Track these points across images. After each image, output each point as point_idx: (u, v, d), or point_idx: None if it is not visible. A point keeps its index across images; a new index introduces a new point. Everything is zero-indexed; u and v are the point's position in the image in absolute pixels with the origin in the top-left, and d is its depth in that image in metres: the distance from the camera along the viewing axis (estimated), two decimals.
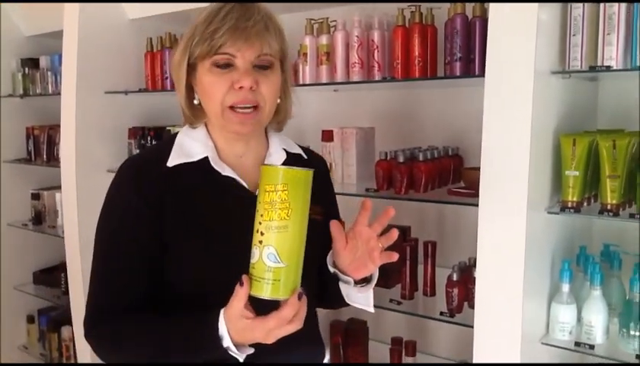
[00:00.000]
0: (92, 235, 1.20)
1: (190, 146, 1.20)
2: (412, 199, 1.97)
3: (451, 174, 2.10)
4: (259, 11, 1.14)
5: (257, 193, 1.05)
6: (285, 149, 1.27)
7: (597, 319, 1.61)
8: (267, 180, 0.98)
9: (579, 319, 1.66)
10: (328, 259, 1.21)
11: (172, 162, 1.18)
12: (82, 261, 2.64)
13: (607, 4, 1.53)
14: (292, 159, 1.27)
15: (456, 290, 1.90)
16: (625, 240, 1.81)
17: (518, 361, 1.61)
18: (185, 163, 1.18)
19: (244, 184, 1.19)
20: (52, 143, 3.14)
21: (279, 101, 1.21)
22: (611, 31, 1.53)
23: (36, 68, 3.21)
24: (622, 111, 1.89)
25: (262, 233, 0.98)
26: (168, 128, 2.65)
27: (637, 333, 1.57)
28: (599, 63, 1.55)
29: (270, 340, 1.02)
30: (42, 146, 3.19)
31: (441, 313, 1.90)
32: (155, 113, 2.87)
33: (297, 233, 0.99)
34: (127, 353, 1.15)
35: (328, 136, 2.21)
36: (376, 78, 2.05)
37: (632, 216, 1.53)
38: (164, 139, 1.25)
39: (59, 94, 2.75)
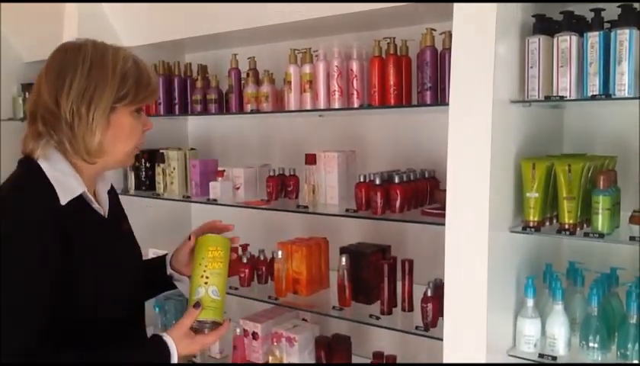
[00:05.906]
0: None
1: (67, 182, 1.26)
2: (387, 219, 2.07)
3: (427, 196, 2.20)
4: None
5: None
6: None
7: (559, 332, 1.72)
8: (211, 243, 1.38)
9: (543, 332, 1.76)
10: (168, 262, 1.51)
11: (64, 199, 1.23)
12: None
13: (560, 38, 1.65)
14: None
15: (430, 306, 1.99)
16: (591, 258, 1.91)
17: None
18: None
19: (102, 212, 1.35)
20: None
21: None
22: (564, 64, 1.65)
23: None
24: (587, 136, 2.00)
25: (207, 277, 1.35)
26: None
27: (595, 345, 1.67)
28: (554, 93, 1.68)
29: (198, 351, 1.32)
30: None
31: (416, 327, 2.00)
32: None
33: (225, 278, 1.39)
34: None
35: (311, 159, 2.32)
36: (355, 106, 2.17)
37: (586, 234, 1.64)
38: (27, 174, 1.30)
39: None
